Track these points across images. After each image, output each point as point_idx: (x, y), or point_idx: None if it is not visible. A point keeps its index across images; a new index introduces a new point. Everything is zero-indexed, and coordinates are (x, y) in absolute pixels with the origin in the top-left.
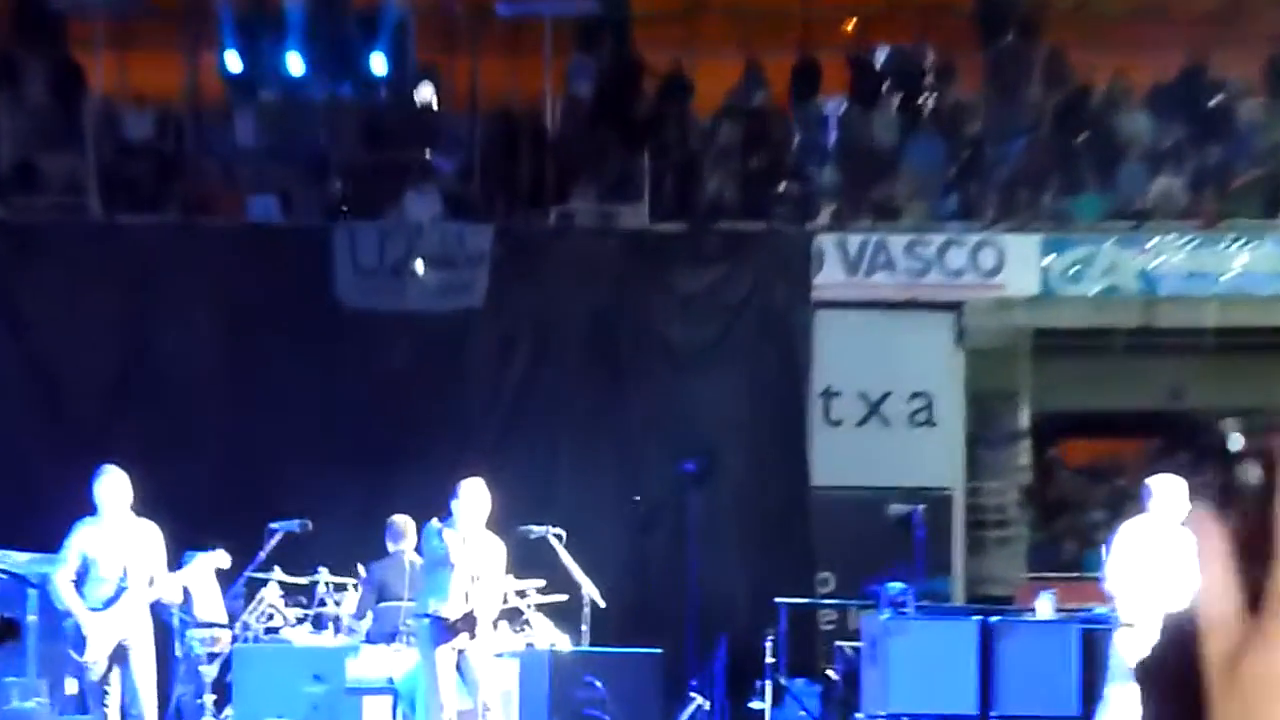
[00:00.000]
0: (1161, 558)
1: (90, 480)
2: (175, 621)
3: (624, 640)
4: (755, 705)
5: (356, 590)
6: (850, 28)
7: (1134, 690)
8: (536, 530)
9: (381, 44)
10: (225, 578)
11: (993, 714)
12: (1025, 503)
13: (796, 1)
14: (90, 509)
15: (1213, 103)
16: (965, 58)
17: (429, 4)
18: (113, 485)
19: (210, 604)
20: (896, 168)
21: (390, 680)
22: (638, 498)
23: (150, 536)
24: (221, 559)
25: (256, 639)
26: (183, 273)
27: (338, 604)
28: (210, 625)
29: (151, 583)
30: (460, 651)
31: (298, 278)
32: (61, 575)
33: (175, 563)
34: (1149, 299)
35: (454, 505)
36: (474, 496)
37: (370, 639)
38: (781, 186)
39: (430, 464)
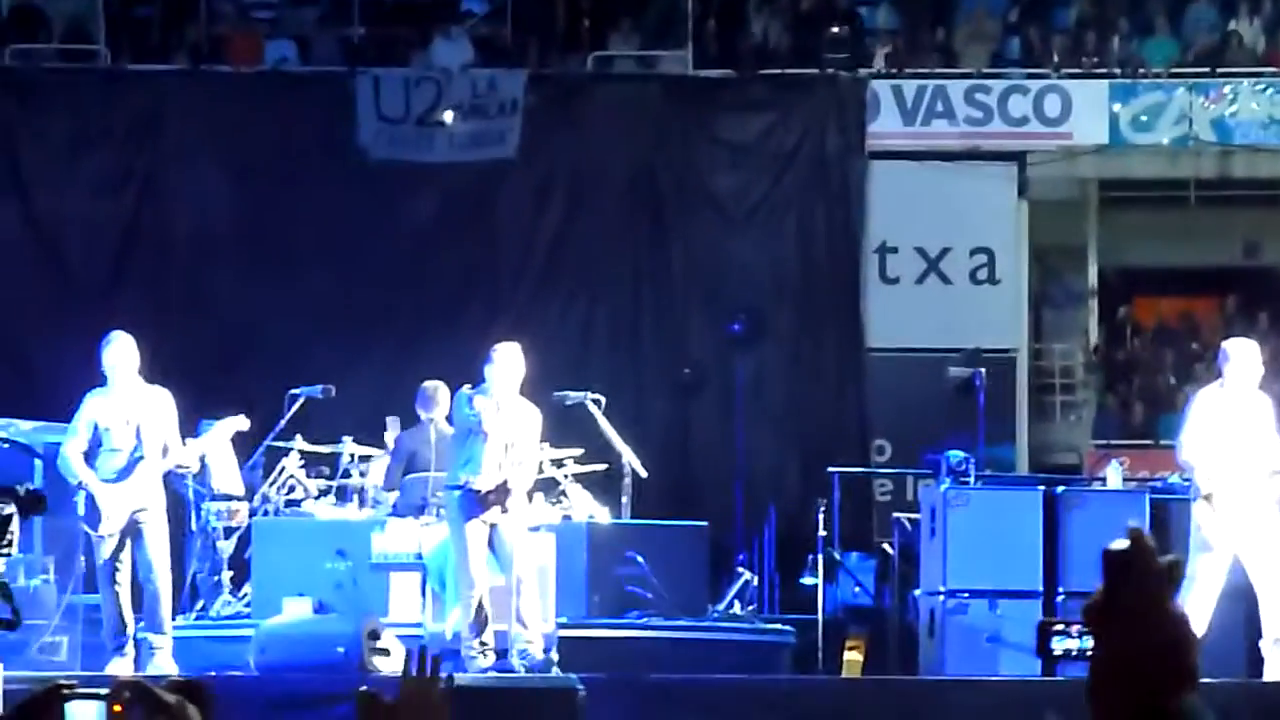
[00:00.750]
0: (1239, 426)
1: (98, 347)
2: (190, 494)
3: (667, 512)
4: (807, 580)
5: (383, 460)
6: None
7: (1218, 561)
8: (573, 396)
9: None
10: (243, 448)
11: (1059, 589)
12: (1092, 365)
13: None
14: (99, 378)
15: None
16: None
17: None
18: (121, 352)
19: (227, 475)
20: (955, 9)
21: (418, 555)
22: (687, 370)
23: (163, 404)
24: (240, 423)
25: (276, 512)
26: (194, 124)
27: (363, 475)
28: (227, 498)
29: (165, 452)
30: (493, 525)
31: (318, 129)
32: (72, 447)
33: (191, 432)
34: (1223, 148)
35: (487, 370)
36: (508, 361)
37: (397, 512)
38: (833, 29)
39: (459, 325)
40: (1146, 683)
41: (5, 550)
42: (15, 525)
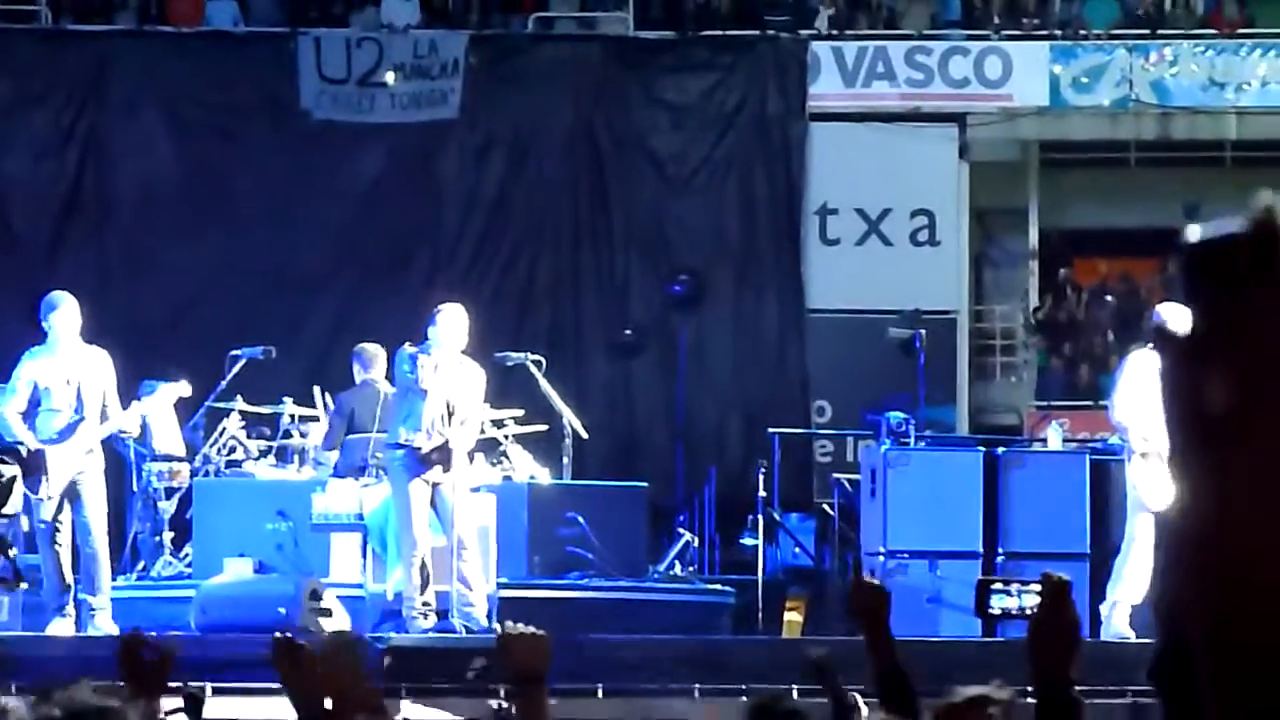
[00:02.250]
0: None
1: (39, 307)
2: (131, 455)
3: (607, 473)
4: (747, 541)
5: (323, 420)
6: None
7: (1154, 521)
8: (514, 357)
9: None
10: (185, 409)
11: (999, 550)
12: (1033, 326)
13: None
14: (39, 337)
15: None
16: None
17: None
18: (62, 312)
19: (168, 436)
20: None
21: (359, 516)
22: (628, 331)
23: (102, 365)
24: (183, 389)
25: (218, 473)
26: (136, 85)
27: (303, 435)
28: (168, 458)
29: (105, 414)
30: (434, 485)
31: (260, 89)
32: (10, 407)
33: (132, 394)
34: (1164, 110)
35: (430, 330)
36: (452, 321)
37: (338, 472)
38: None
39: (401, 286)
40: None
41: (7, 511)
42: (19, 486)
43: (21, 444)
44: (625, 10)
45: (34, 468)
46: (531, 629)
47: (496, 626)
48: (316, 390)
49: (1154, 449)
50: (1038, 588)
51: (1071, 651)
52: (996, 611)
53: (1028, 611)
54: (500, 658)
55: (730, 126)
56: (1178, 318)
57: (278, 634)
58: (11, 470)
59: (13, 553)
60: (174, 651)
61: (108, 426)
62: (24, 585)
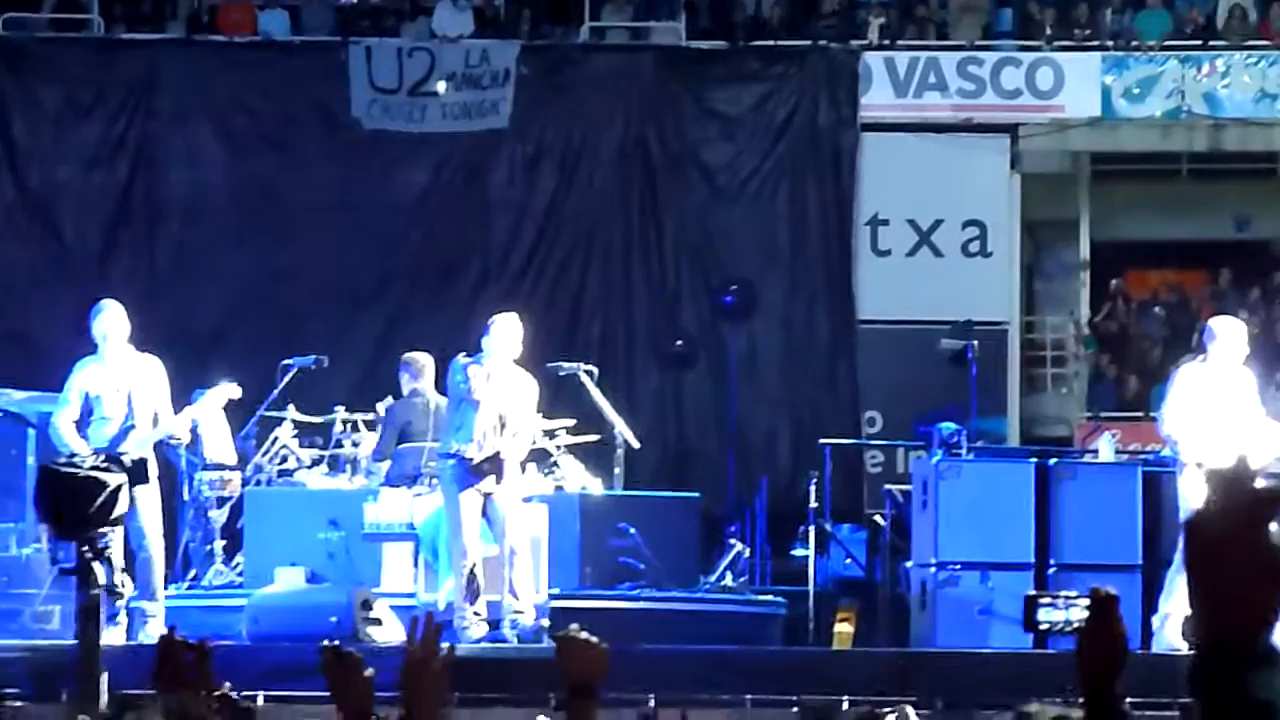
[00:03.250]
0: (1221, 400)
1: (88, 315)
2: (183, 463)
3: (659, 484)
4: (798, 552)
5: (375, 430)
6: None
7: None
8: (566, 367)
9: None
10: (236, 418)
11: (1050, 562)
12: (1084, 338)
13: None
14: (91, 347)
15: None
16: None
17: None
18: (111, 320)
19: (220, 444)
20: None
21: (411, 525)
22: (679, 341)
23: (153, 372)
24: (232, 390)
25: (269, 482)
26: (187, 94)
27: (355, 445)
28: (220, 467)
29: (156, 420)
30: (486, 495)
31: (310, 99)
32: (64, 417)
33: (184, 403)
34: (1215, 122)
35: (484, 340)
36: (506, 331)
37: (390, 481)
38: (826, 2)
39: (451, 296)
40: (1232, 615)
41: (115, 520)
42: (125, 494)
43: (125, 453)
44: (677, 20)
45: (139, 476)
46: (591, 637)
47: (545, 627)
48: (379, 405)
49: (1206, 458)
50: (1085, 602)
51: (1116, 666)
52: (1044, 625)
53: (1075, 625)
54: (557, 662)
55: (781, 137)
56: (1227, 329)
57: (325, 642)
58: (118, 478)
59: (117, 562)
60: (209, 650)
61: (159, 431)
62: (128, 594)
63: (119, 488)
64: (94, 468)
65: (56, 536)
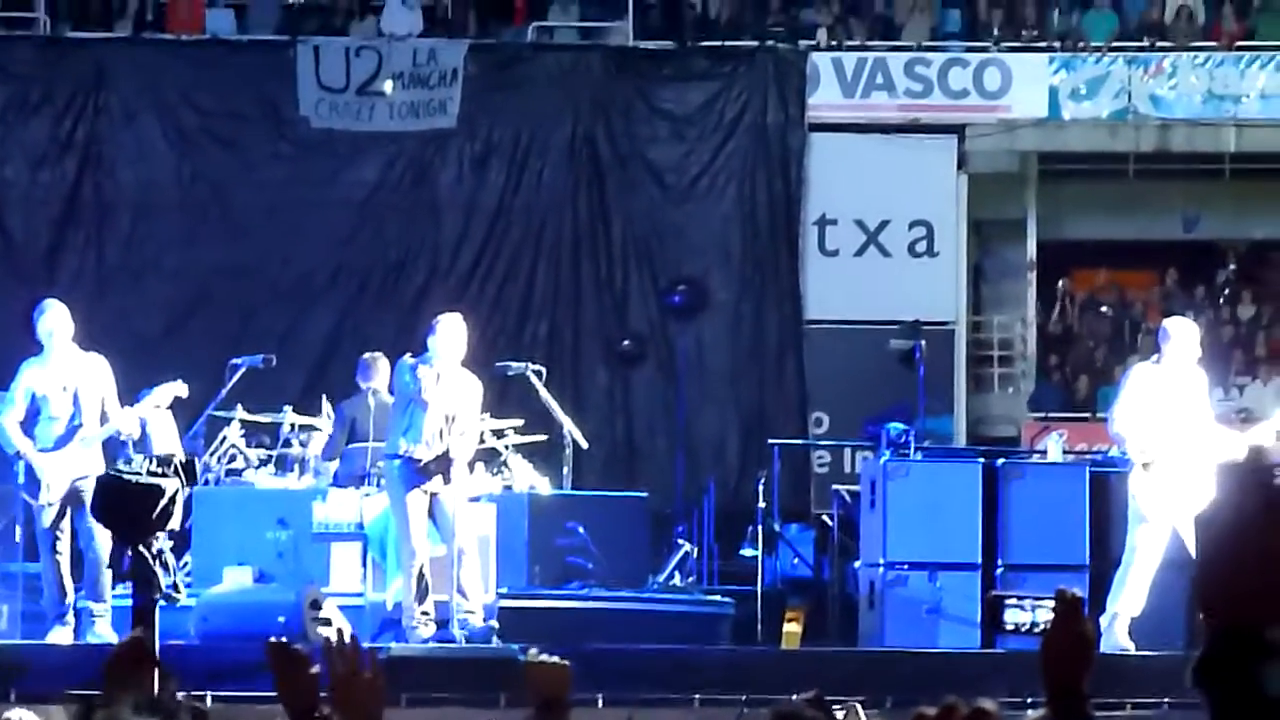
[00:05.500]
0: (1173, 401)
1: (33, 315)
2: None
3: (607, 483)
4: (746, 552)
5: (323, 430)
6: None
7: (1156, 533)
8: (514, 367)
9: None
10: (184, 417)
11: (998, 562)
12: (1030, 339)
13: None
14: (38, 345)
15: None
16: None
17: None
18: (55, 319)
19: (167, 442)
20: None
21: (359, 525)
22: (627, 340)
23: (99, 370)
24: (179, 388)
25: (217, 481)
26: (135, 92)
27: (303, 444)
28: None
29: (104, 419)
30: (433, 495)
31: (259, 97)
32: (10, 418)
33: (131, 402)
34: (1163, 122)
35: (430, 341)
36: (451, 332)
37: (338, 481)
38: (774, 2)
39: (400, 294)
40: (1246, 601)
41: (170, 525)
42: (180, 498)
43: (173, 454)
44: (625, 19)
45: (192, 476)
46: (555, 659)
47: (494, 627)
48: (324, 400)
49: (1155, 459)
50: (1050, 603)
51: (1085, 666)
52: (1010, 627)
53: (1040, 627)
54: (524, 684)
55: (730, 136)
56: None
57: (272, 639)
58: (173, 484)
59: (171, 564)
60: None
61: (107, 428)
62: (179, 597)
63: (176, 493)
64: (151, 474)
65: (118, 542)
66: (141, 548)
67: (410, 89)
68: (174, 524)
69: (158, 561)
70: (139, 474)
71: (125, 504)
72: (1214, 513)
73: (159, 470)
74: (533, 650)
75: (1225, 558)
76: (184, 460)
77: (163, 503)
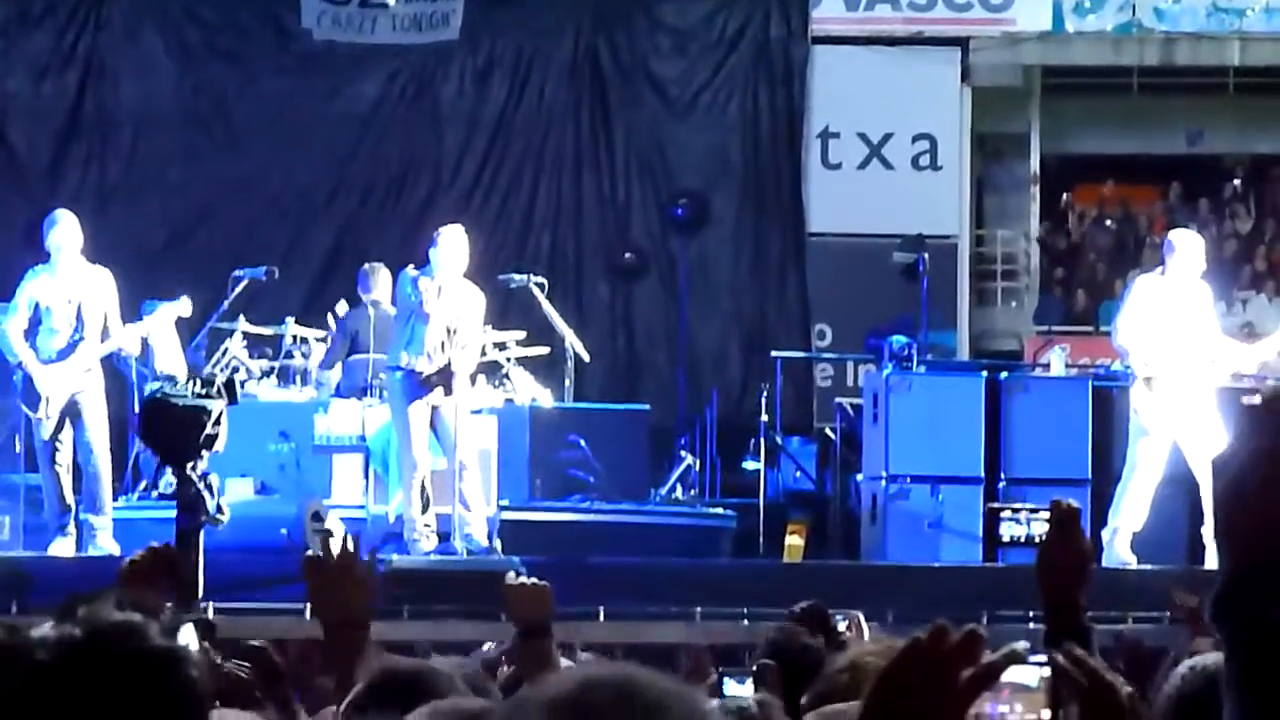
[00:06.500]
0: (1177, 314)
1: (41, 227)
2: (133, 375)
3: (609, 396)
4: (748, 465)
5: (325, 342)
6: None
7: (1157, 447)
8: (517, 279)
9: None
10: (186, 329)
11: (1000, 476)
12: (1034, 251)
13: None
14: (41, 257)
15: None
16: None
17: None
18: (65, 232)
19: (170, 356)
20: None
21: (361, 437)
22: (629, 254)
23: (104, 284)
24: (184, 307)
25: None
26: (138, 5)
27: (305, 356)
28: (170, 379)
29: (107, 333)
30: (435, 407)
31: (260, 9)
32: (12, 326)
33: (134, 314)
34: (1167, 36)
35: (431, 253)
36: (453, 244)
37: (340, 393)
38: None
39: (402, 207)
40: (1264, 546)
41: (216, 448)
42: (225, 419)
43: (217, 375)
44: None
45: (234, 396)
46: (534, 580)
47: (497, 545)
48: (330, 315)
49: (1157, 373)
50: (1047, 515)
51: (1081, 578)
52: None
53: (1037, 539)
54: (504, 608)
55: (732, 50)
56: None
57: (309, 552)
58: (218, 405)
59: (216, 486)
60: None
61: (108, 345)
62: (223, 519)
63: (221, 414)
64: (197, 395)
65: (163, 465)
66: (188, 470)
67: (413, 1)
68: (219, 445)
69: (203, 484)
70: (185, 396)
71: (172, 427)
72: (1232, 452)
73: (204, 391)
74: (510, 573)
75: (1244, 498)
76: (226, 380)
77: (209, 425)
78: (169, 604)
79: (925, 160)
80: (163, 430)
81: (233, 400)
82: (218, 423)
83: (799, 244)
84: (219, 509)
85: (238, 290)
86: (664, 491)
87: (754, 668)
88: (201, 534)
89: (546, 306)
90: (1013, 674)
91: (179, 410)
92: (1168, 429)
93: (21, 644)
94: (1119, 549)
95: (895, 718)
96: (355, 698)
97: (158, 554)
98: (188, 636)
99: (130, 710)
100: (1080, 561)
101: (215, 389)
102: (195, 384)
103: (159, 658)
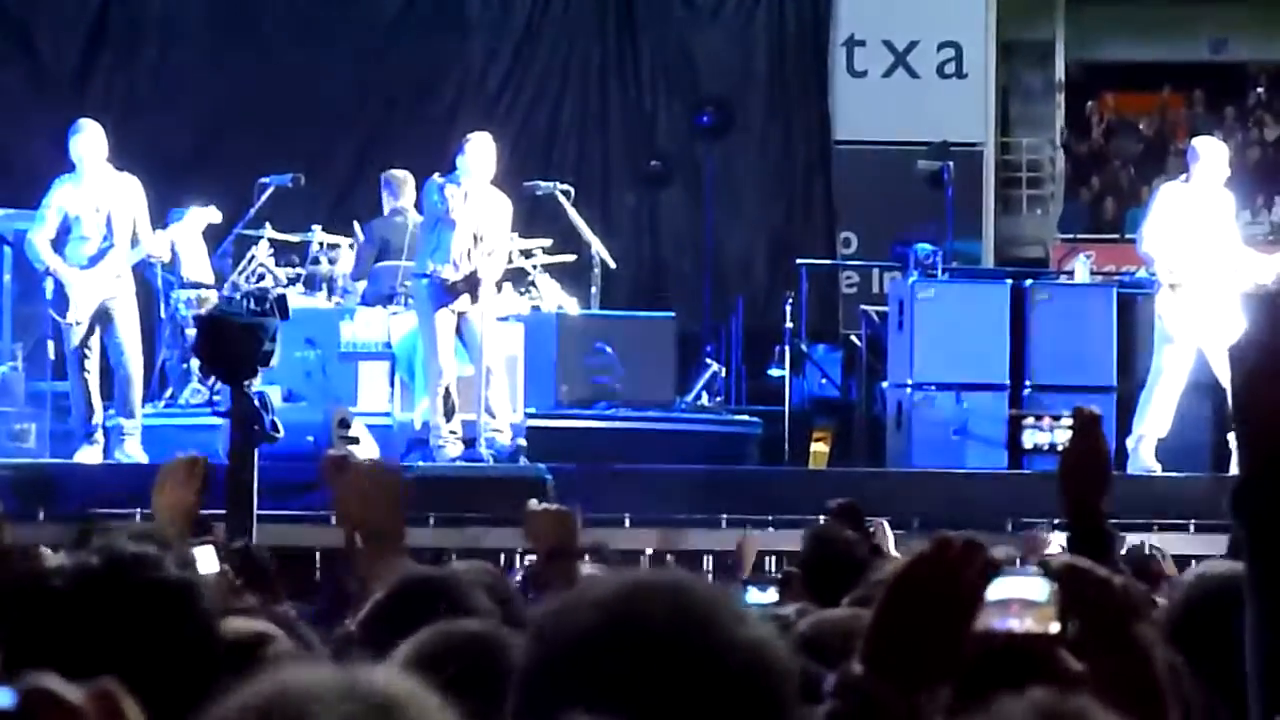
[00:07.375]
0: (1201, 221)
1: (67, 135)
2: (159, 282)
3: (635, 303)
4: (774, 372)
5: (352, 249)
6: None
7: (1182, 354)
8: (543, 186)
9: None
10: (213, 236)
11: (1025, 383)
12: (1059, 159)
13: None
14: (69, 166)
15: None
16: None
17: None
18: (89, 140)
19: (197, 263)
20: None
21: (387, 344)
22: (655, 161)
23: (132, 192)
24: (212, 214)
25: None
26: None
27: (332, 263)
28: (196, 285)
29: (135, 240)
30: (461, 315)
31: None
32: (40, 235)
33: (160, 221)
34: None
35: (458, 160)
36: (480, 151)
37: (366, 300)
38: None
39: (428, 115)
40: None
41: (271, 364)
42: (279, 336)
43: (266, 293)
44: None
45: (286, 312)
46: (556, 506)
47: (522, 443)
48: (355, 224)
49: (1182, 279)
50: (1069, 422)
51: (1103, 484)
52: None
53: (1059, 447)
54: (527, 534)
55: None
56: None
57: (330, 452)
58: (273, 322)
59: (271, 403)
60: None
61: (138, 251)
62: (278, 436)
63: (276, 331)
64: (252, 312)
65: (221, 382)
66: (245, 387)
67: None
68: (274, 362)
69: (259, 401)
70: (240, 314)
71: (230, 345)
72: (1247, 341)
73: (258, 308)
74: (532, 500)
75: (1260, 387)
76: (279, 296)
77: (266, 341)
78: (201, 513)
79: (950, 68)
80: (221, 348)
81: (285, 316)
82: (273, 339)
83: (824, 152)
84: (274, 425)
85: (264, 197)
86: (690, 398)
87: (779, 575)
88: (256, 451)
89: (573, 214)
90: (1021, 587)
91: (238, 328)
92: (1192, 336)
93: (39, 572)
94: (1144, 456)
95: (906, 620)
96: (373, 608)
97: (193, 462)
98: (206, 558)
99: (144, 639)
100: (1100, 467)
101: (268, 305)
102: (250, 301)
103: (174, 588)
